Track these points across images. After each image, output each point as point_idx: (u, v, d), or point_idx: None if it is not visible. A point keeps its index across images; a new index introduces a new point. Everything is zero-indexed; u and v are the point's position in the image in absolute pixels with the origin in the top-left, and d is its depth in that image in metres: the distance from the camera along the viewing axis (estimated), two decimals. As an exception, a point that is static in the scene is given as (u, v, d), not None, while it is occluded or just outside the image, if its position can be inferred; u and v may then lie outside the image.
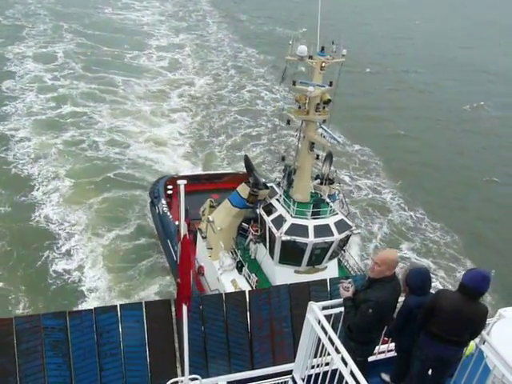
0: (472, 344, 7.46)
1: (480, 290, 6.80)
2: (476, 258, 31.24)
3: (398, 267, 7.30)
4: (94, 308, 8.72)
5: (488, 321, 7.58)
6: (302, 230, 19.60)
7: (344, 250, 22.49)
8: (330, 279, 10.48)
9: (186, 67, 60.47)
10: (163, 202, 28.42)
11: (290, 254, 20.25)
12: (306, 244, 19.56)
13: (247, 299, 9.58)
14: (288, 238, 19.40)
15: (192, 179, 29.14)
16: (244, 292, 9.81)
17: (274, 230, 19.91)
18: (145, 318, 8.79)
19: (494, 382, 7.14)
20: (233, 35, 76.34)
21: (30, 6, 77.64)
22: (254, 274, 20.92)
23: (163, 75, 56.91)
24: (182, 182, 7.02)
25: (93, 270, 26.92)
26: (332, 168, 22.25)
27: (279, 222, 19.96)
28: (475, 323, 7.04)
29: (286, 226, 19.59)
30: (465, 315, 6.89)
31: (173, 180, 29.48)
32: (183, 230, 6.73)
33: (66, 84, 50.49)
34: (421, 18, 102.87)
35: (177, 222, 24.38)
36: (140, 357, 8.72)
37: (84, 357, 8.41)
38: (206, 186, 29.36)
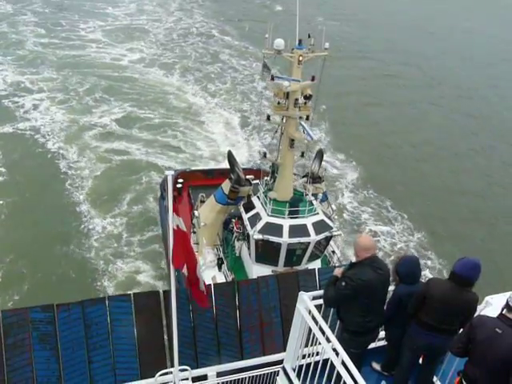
0: None
1: (471, 278, 6.81)
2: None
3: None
4: (82, 300, 8.64)
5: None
6: (276, 230, 18.96)
7: (333, 252, 21.81)
8: (318, 269, 10.47)
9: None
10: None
11: (266, 254, 19.69)
12: (280, 244, 19.00)
13: (236, 290, 9.56)
14: (260, 236, 18.83)
15: (206, 173, 29.10)
16: (232, 283, 9.77)
17: (248, 227, 19.50)
18: (133, 309, 8.73)
19: None
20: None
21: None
22: (229, 272, 20.55)
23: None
24: (169, 173, 7.01)
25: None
26: (322, 166, 21.69)
27: (255, 220, 19.45)
28: (466, 311, 7.06)
29: (260, 225, 19.08)
30: (456, 304, 6.91)
31: (184, 174, 28.95)
32: (172, 223, 6.64)
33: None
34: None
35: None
36: (129, 349, 8.67)
37: (72, 349, 8.33)
38: (220, 181, 28.93)
